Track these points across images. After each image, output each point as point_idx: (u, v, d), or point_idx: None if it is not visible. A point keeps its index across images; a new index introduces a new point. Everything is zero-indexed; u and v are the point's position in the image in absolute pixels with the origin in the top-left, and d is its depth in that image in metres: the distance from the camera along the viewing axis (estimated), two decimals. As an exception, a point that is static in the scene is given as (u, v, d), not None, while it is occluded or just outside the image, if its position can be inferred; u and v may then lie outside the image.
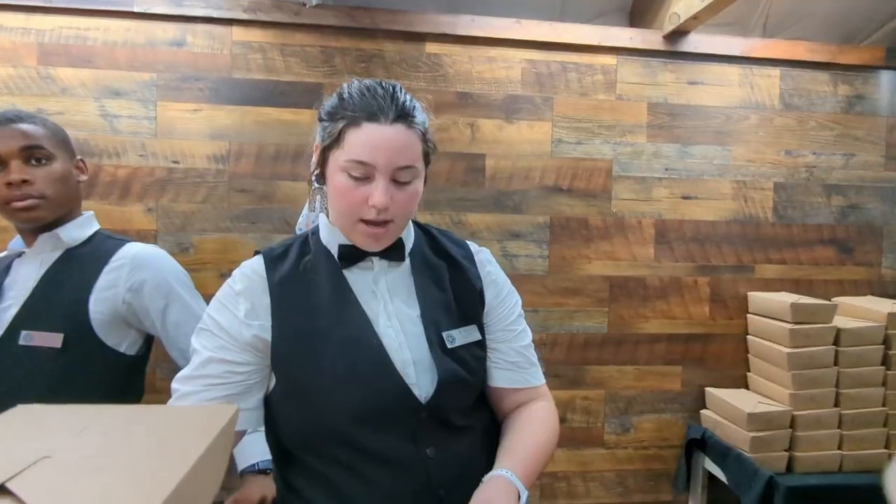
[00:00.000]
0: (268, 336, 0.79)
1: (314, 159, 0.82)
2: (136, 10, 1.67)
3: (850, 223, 2.04)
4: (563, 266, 1.88)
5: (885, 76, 2.04)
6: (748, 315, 1.98)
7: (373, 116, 0.74)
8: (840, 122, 2.01)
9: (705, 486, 1.91)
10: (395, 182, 0.76)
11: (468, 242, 0.94)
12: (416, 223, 0.93)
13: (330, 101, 0.80)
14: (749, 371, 1.97)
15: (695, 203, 1.94)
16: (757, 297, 1.95)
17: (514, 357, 0.89)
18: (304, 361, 0.79)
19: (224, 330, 0.79)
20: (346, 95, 0.78)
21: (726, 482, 1.75)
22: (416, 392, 0.79)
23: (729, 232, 1.97)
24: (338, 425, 0.77)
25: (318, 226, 0.88)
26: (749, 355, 1.97)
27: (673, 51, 1.89)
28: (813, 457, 1.72)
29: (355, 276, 0.84)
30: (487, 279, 0.90)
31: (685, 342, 1.95)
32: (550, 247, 1.87)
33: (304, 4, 1.71)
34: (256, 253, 0.87)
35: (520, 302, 0.93)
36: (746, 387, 1.97)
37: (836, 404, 1.76)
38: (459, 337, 0.84)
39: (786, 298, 1.83)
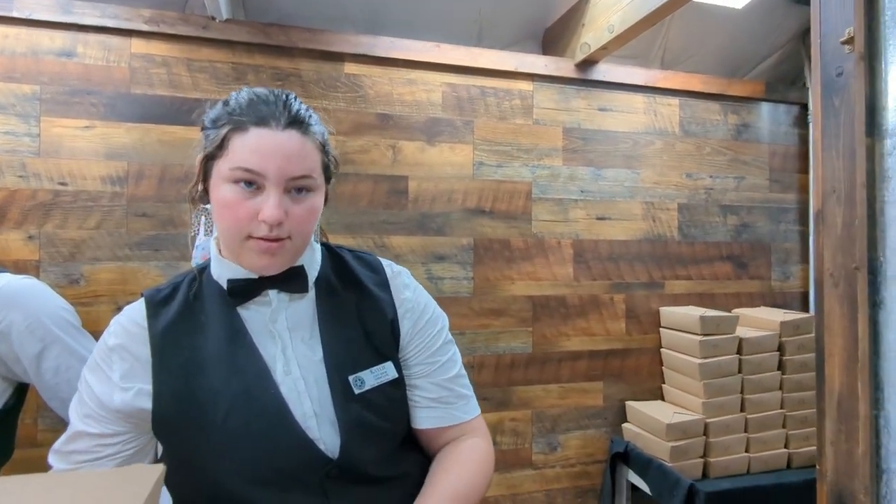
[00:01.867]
0: (146, 403, 0.69)
1: (196, 174, 0.73)
2: (15, 15, 1.50)
3: (744, 241, 2.22)
4: (488, 287, 1.88)
5: (765, 107, 2.26)
6: (661, 329, 2.08)
7: (262, 121, 0.66)
8: (731, 148, 2.20)
9: (629, 497, 1.95)
10: (290, 194, 0.67)
11: (385, 264, 0.84)
12: (325, 245, 0.84)
13: (214, 109, 0.71)
14: (664, 383, 2.06)
15: (608, 223, 2.03)
16: (668, 312, 2.06)
17: (437, 392, 0.79)
18: (190, 425, 0.68)
19: (94, 396, 0.70)
20: (231, 101, 0.70)
21: (649, 492, 1.80)
22: (321, 447, 0.69)
23: (640, 250, 2.07)
24: (235, 492, 0.67)
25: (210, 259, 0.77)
26: (663, 367, 2.06)
27: (584, 79, 1.98)
28: (724, 461, 1.81)
29: (251, 315, 0.74)
30: (403, 307, 0.80)
31: (605, 358, 2.01)
32: (475, 268, 1.87)
33: (214, 18, 1.62)
34: (142, 295, 0.76)
35: (446, 328, 0.83)
36: (662, 398, 2.06)
37: (742, 410, 1.88)
38: (370, 379, 0.74)
39: (694, 312, 1.94)
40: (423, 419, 0.79)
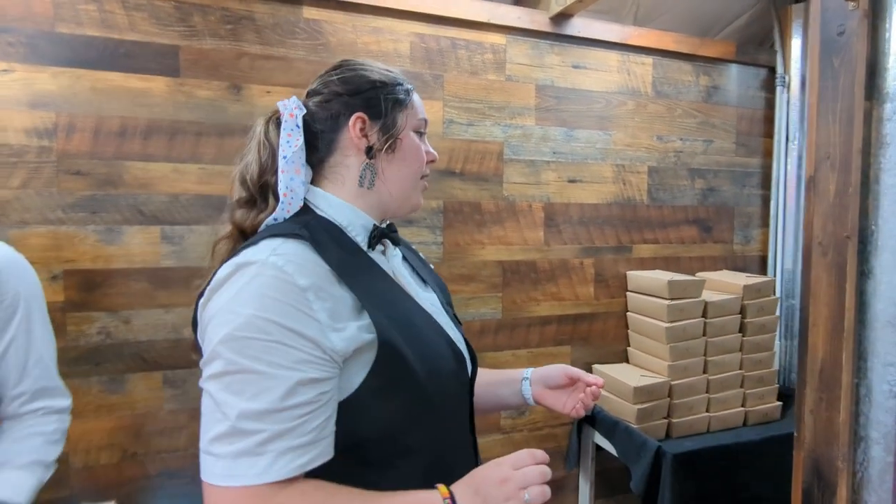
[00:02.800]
0: (368, 334, 0.68)
1: (356, 132, 0.77)
2: None
3: (710, 204, 2.22)
4: (458, 252, 1.81)
5: (735, 70, 2.23)
6: (627, 293, 2.08)
7: (411, 84, 0.84)
8: (701, 111, 2.17)
9: (594, 458, 1.99)
10: None
11: None
12: None
13: (370, 73, 0.80)
14: (629, 346, 2.08)
15: (580, 186, 1.98)
16: (635, 276, 2.06)
17: None
18: (408, 346, 0.71)
19: (306, 339, 0.63)
20: (379, 66, 0.82)
21: (615, 454, 1.82)
22: (468, 365, 0.84)
23: (610, 214, 2.04)
24: (436, 406, 0.75)
25: (306, 208, 0.77)
26: (629, 331, 2.08)
27: (559, 33, 1.88)
28: (686, 421, 1.86)
29: (379, 261, 0.81)
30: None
31: (573, 322, 2.00)
32: (445, 233, 1.79)
33: (151, -52, 1.42)
34: (264, 240, 0.68)
35: None
36: (627, 361, 2.08)
37: (705, 371, 1.92)
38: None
39: (661, 276, 1.94)
40: None
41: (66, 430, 1.06)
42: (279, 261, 0.65)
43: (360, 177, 0.78)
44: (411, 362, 0.70)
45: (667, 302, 1.87)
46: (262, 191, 0.77)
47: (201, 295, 0.69)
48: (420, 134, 0.83)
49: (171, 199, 1.49)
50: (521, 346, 1.92)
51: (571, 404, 1.00)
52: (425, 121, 0.84)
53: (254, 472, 0.59)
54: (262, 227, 0.75)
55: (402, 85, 0.81)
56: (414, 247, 1.01)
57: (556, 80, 1.91)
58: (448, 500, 0.64)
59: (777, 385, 2.03)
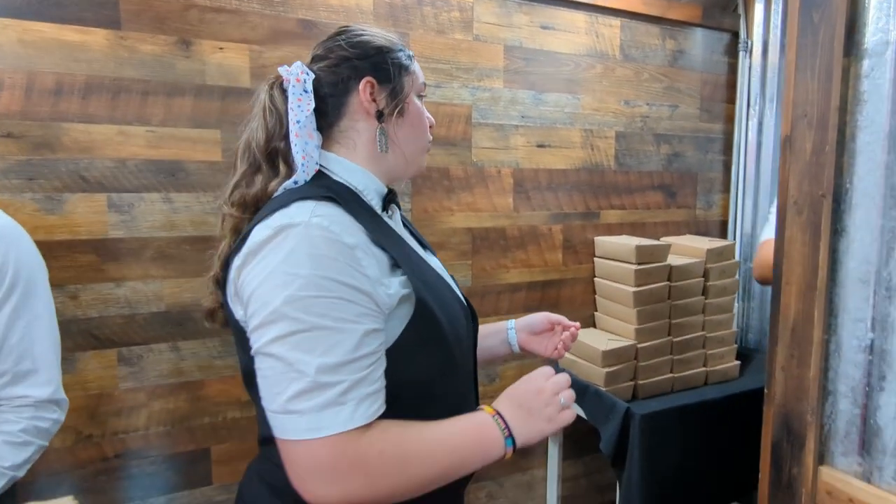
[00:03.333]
0: (407, 288, 0.72)
1: (366, 96, 0.78)
2: None
3: (674, 170, 2.24)
4: (427, 219, 1.77)
5: (700, 34, 2.23)
6: (595, 259, 2.09)
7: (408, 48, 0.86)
8: (667, 76, 2.17)
9: (563, 422, 2.01)
10: None
11: None
12: None
13: (374, 38, 0.81)
14: (596, 311, 2.10)
15: (549, 152, 1.95)
16: (602, 242, 2.06)
17: None
18: (437, 303, 0.76)
19: (362, 293, 0.66)
20: (379, 31, 0.83)
21: (585, 417, 1.85)
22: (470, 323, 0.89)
23: (578, 180, 2.03)
24: (456, 361, 0.80)
25: (320, 174, 0.78)
26: (596, 296, 2.09)
27: (527, -9, 1.82)
28: (652, 382, 1.90)
29: (391, 225, 0.84)
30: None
31: (542, 289, 2.00)
32: (413, 199, 1.74)
33: None
34: (296, 202, 0.69)
35: None
36: (594, 325, 2.10)
37: (669, 334, 1.95)
38: None
39: (629, 241, 1.95)
40: None
41: (46, 430, 0.95)
42: (323, 221, 0.66)
43: (378, 141, 0.79)
44: (439, 317, 0.75)
45: (634, 267, 1.88)
46: (269, 158, 0.77)
47: (227, 262, 0.72)
48: (421, 97, 0.85)
49: (117, 165, 1.38)
50: (491, 313, 1.91)
51: (552, 347, 1.12)
52: (425, 85, 0.86)
53: (340, 421, 0.63)
54: (280, 191, 0.75)
55: (403, 51, 0.83)
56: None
57: (525, 41, 1.86)
58: (496, 416, 0.74)
59: (735, 345, 2.10)
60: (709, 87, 2.27)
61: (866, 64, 0.86)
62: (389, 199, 0.84)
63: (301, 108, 0.75)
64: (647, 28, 2.09)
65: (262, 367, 0.66)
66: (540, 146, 1.93)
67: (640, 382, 1.88)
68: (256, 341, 0.65)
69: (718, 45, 2.27)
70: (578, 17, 1.95)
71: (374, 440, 0.65)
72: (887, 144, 0.84)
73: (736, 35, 2.27)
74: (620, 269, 1.94)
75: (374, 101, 0.79)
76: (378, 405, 0.67)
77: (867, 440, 0.90)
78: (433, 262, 0.90)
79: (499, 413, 0.74)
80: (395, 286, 0.71)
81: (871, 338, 0.88)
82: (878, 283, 0.87)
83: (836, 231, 0.91)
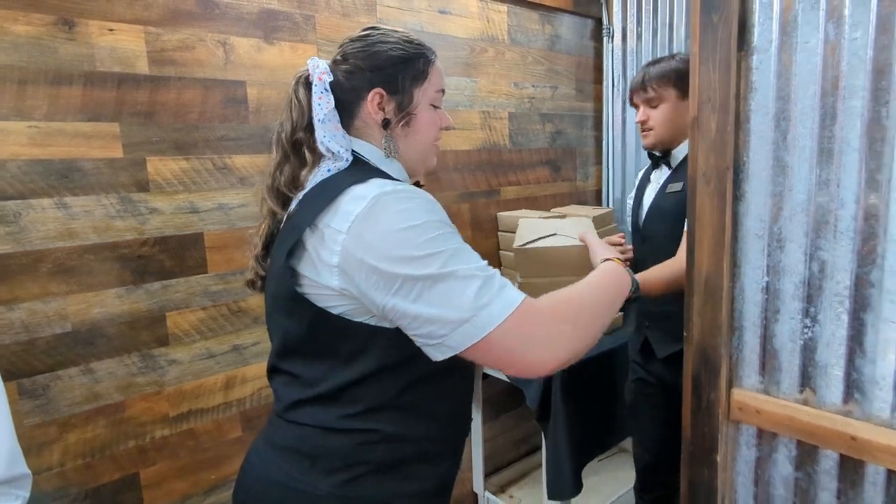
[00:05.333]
0: None
1: (374, 106, 0.84)
2: None
3: (558, 146, 2.45)
4: (346, 207, 1.75)
5: (572, 20, 2.44)
6: (499, 233, 2.23)
7: (434, 55, 0.90)
8: (547, 59, 2.35)
9: (481, 387, 2.15)
10: None
11: None
12: None
13: (392, 49, 0.84)
14: (503, 281, 2.25)
15: (454, 134, 2.03)
16: (504, 217, 2.21)
17: None
18: None
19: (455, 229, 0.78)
20: (409, 39, 0.87)
21: (507, 380, 2.00)
22: None
23: (480, 159, 2.14)
24: None
25: (358, 161, 0.83)
26: (502, 267, 2.24)
27: (424, -24, 1.85)
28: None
29: None
30: None
31: (455, 266, 2.09)
32: (331, 187, 1.71)
33: None
34: (368, 181, 0.77)
35: None
36: (503, 295, 2.25)
37: (569, 295, 2.17)
38: None
39: (528, 214, 2.12)
40: None
41: None
42: (404, 186, 0.76)
43: (385, 147, 0.85)
44: None
45: (538, 237, 2.05)
46: (294, 147, 0.85)
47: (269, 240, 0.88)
48: (436, 107, 0.90)
49: (-9, 168, 1.17)
50: (412, 294, 1.96)
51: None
52: (443, 91, 0.90)
53: (517, 294, 0.72)
54: (326, 174, 0.81)
55: (424, 57, 0.87)
56: None
57: (425, 25, 1.89)
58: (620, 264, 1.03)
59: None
60: (581, 70, 2.50)
61: (755, 58, 1.05)
62: None
63: (321, 106, 0.81)
64: (528, 14, 2.24)
65: (431, 296, 0.71)
66: (445, 129, 1.99)
67: (550, 342, 2.07)
68: (412, 287, 0.71)
69: (586, 30, 2.51)
70: (471, 2, 2.02)
71: (544, 299, 0.76)
72: (773, 125, 1.04)
73: (600, 21, 2.53)
74: (525, 240, 2.10)
75: (381, 110, 0.84)
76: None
77: (766, 362, 1.13)
78: None
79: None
80: None
81: (767, 280, 1.10)
82: (770, 236, 1.08)
83: (737, 197, 1.11)
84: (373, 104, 0.83)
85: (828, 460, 1.04)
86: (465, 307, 0.70)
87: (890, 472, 0.95)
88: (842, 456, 1.02)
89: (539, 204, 2.39)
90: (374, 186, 0.75)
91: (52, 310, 1.25)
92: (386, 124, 0.84)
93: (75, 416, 1.30)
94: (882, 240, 0.93)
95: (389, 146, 0.85)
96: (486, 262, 0.75)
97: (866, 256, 0.96)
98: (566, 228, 1.49)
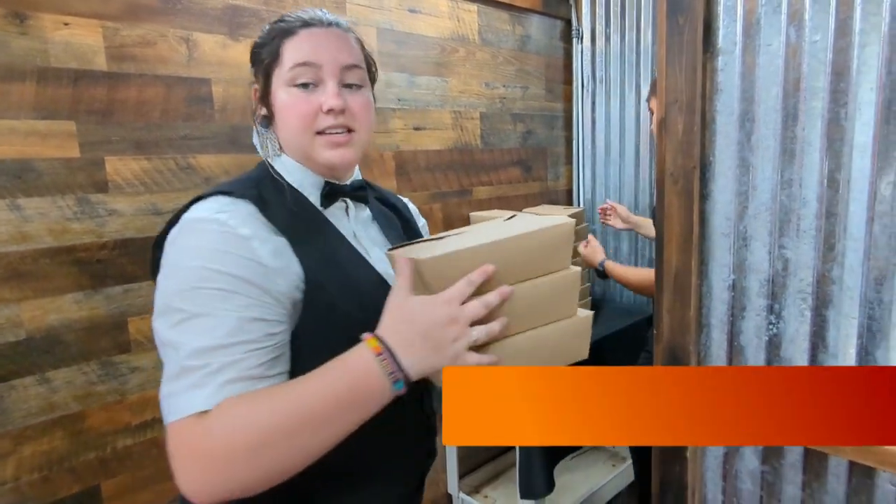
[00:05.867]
0: (298, 267, 0.70)
1: (255, 101, 0.80)
2: None
3: (529, 146, 2.47)
4: (316, 208, 1.72)
5: (541, 20, 2.45)
6: (471, 233, 2.22)
7: (307, 23, 0.75)
8: (518, 59, 2.35)
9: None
10: (345, 86, 0.76)
11: (391, 192, 0.98)
12: None
13: (261, 35, 0.78)
14: (476, 281, 2.25)
15: (425, 134, 2.02)
16: (477, 217, 2.20)
17: None
18: (339, 290, 0.72)
19: (250, 282, 0.65)
20: (276, 20, 0.78)
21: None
22: None
23: (452, 160, 2.13)
24: None
25: (265, 171, 0.77)
26: (475, 268, 2.24)
27: (394, -26, 1.83)
28: (531, 340, 2.11)
29: (337, 223, 0.80)
30: (422, 230, 0.95)
31: (428, 266, 2.08)
32: (300, 188, 1.68)
33: None
34: (214, 196, 0.70)
35: None
36: (475, 295, 2.25)
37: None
38: None
39: (501, 214, 2.12)
40: None
41: None
42: (222, 216, 0.67)
43: (260, 144, 0.80)
44: (340, 305, 0.71)
45: (510, 237, 2.05)
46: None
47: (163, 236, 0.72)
48: (302, 85, 0.74)
49: (-64, 168, 1.11)
50: (384, 295, 1.94)
51: None
52: (302, 65, 0.73)
53: (196, 403, 0.60)
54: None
55: (280, 33, 0.75)
56: (409, 205, 1.02)
57: (395, 24, 1.88)
58: (384, 356, 0.61)
59: (590, 297, 2.42)
60: (551, 70, 2.52)
61: (720, 60, 1.07)
62: (333, 192, 0.81)
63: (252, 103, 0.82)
64: (498, 14, 2.24)
65: (160, 349, 0.66)
66: (417, 128, 1.98)
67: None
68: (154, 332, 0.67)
69: (555, 31, 2.53)
70: (441, 2, 2.01)
71: (230, 415, 0.59)
72: (738, 125, 1.07)
73: (569, 22, 2.55)
74: (497, 240, 2.11)
75: (259, 104, 0.80)
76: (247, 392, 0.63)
77: (733, 359, 1.15)
78: (384, 261, 0.82)
79: (388, 350, 0.61)
80: (287, 274, 0.69)
81: (733, 278, 1.12)
82: (736, 234, 1.10)
83: (704, 196, 1.13)
84: (255, 100, 0.80)
85: (793, 454, 1.06)
86: (165, 381, 0.63)
87: (852, 464, 0.98)
88: (806, 449, 1.04)
89: (511, 203, 2.40)
90: (196, 209, 0.69)
91: (4, 317, 1.19)
92: (265, 119, 0.79)
93: (31, 428, 1.24)
94: (842, 238, 0.96)
95: (263, 142, 0.79)
96: (235, 342, 0.62)
97: (828, 254, 0.98)
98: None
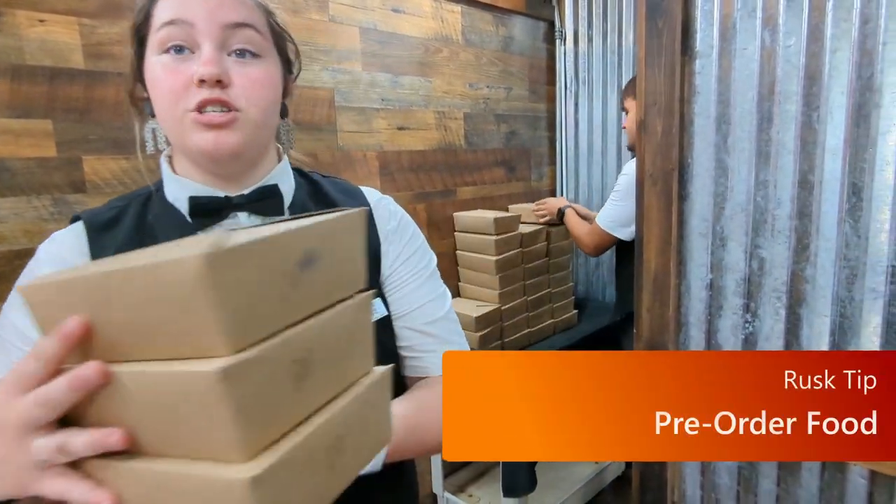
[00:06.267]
0: None
1: (132, 79, 0.64)
2: None
3: (512, 147, 2.48)
4: (299, 208, 1.71)
5: (525, 22, 2.46)
6: (455, 233, 2.23)
7: None
8: (501, 60, 2.36)
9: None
10: (232, 56, 0.58)
11: (366, 190, 0.75)
12: (297, 170, 0.73)
13: None
14: (460, 281, 2.25)
15: (408, 134, 2.02)
16: (461, 217, 2.21)
17: (411, 339, 0.70)
18: None
19: (24, 337, 0.55)
20: None
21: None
22: None
23: (435, 160, 2.13)
24: None
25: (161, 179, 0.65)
26: (459, 268, 2.24)
27: (377, -26, 1.83)
28: (514, 339, 2.13)
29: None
30: (388, 240, 0.71)
31: (412, 266, 2.08)
32: (282, 188, 1.67)
33: None
34: (75, 219, 0.62)
35: (433, 265, 0.75)
36: (460, 295, 2.26)
37: (524, 294, 2.20)
38: None
39: (486, 215, 2.13)
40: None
41: None
42: (41, 249, 0.61)
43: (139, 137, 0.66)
44: None
45: (493, 237, 2.06)
46: None
47: None
48: (175, 48, 0.56)
49: None
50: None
51: None
52: (169, 24, 0.56)
53: None
54: None
55: (138, 7, 0.61)
56: (386, 208, 0.75)
57: (379, 24, 1.87)
58: None
59: (573, 297, 2.44)
60: (534, 71, 2.53)
61: (698, 63, 1.09)
62: (204, 208, 0.62)
63: None
64: (482, 15, 2.25)
65: None
66: (400, 128, 1.98)
67: (506, 340, 2.09)
68: None
69: (539, 32, 2.54)
70: (425, 2, 2.01)
71: None
72: (715, 127, 1.08)
73: (552, 24, 2.57)
74: (480, 240, 2.12)
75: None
76: None
77: (711, 356, 1.17)
78: None
79: None
80: None
81: (710, 277, 1.14)
82: (713, 235, 1.12)
83: (682, 197, 1.15)
84: (132, 76, 0.65)
85: (768, 449, 1.09)
86: None
87: (824, 458, 1.01)
88: (781, 444, 1.07)
89: (495, 203, 2.41)
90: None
91: (-22, 319, 1.17)
92: (148, 103, 0.63)
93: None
94: (815, 238, 0.98)
95: (140, 134, 0.65)
96: None
97: (801, 254, 1.01)
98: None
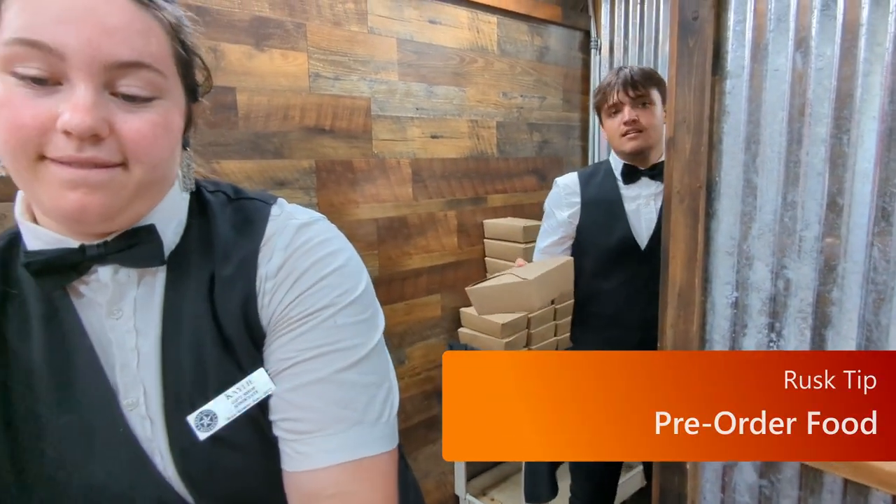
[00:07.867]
0: None
1: None
2: None
3: (545, 155, 2.50)
4: (334, 213, 1.77)
5: (560, 31, 2.48)
6: (485, 240, 2.26)
7: None
8: (536, 70, 2.39)
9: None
10: (117, 99, 0.43)
11: (273, 214, 0.57)
12: (199, 192, 0.57)
13: None
14: (488, 287, 2.29)
15: (441, 142, 2.06)
16: (491, 224, 2.24)
17: (283, 411, 0.52)
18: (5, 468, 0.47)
19: None
20: None
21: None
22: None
23: (467, 168, 2.17)
24: None
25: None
26: (487, 274, 2.28)
27: (415, -14, 1.89)
28: (539, 346, 2.15)
29: (84, 303, 0.50)
30: (265, 284, 0.53)
31: (441, 272, 2.13)
32: (318, 193, 1.73)
33: None
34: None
35: (341, 308, 0.55)
36: (487, 301, 2.29)
37: (552, 301, 2.21)
38: (227, 408, 0.50)
39: (515, 223, 2.15)
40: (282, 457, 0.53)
41: None
42: None
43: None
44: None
45: (522, 245, 2.09)
46: None
47: None
48: (32, 81, 0.41)
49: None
50: (397, 299, 1.99)
51: None
52: (25, 44, 0.40)
53: None
54: None
55: None
56: (282, 245, 0.55)
57: (415, 35, 1.93)
58: None
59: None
60: (569, 80, 2.55)
61: (728, 83, 1.10)
62: (63, 264, 0.48)
63: None
64: (517, 25, 2.28)
65: None
66: (434, 137, 2.03)
67: (532, 348, 2.11)
68: None
69: (574, 42, 2.55)
70: (461, 13, 2.06)
71: None
72: (744, 147, 1.09)
73: (588, 34, 2.57)
74: (510, 248, 2.14)
75: None
76: None
77: (734, 374, 1.17)
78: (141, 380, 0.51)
79: None
80: None
81: (736, 296, 1.14)
82: (739, 253, 1.13)
83: (709, 214, 1.16)
84: None
85: (789, 469, 1.08)
86: None
87: (846, 482, 1.00)
88: (802, 465, 1.06)
89: (525, 212, 2.43)
90: None
91: None
92: None
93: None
94: (842, 260, 0.98)
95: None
96: None
97: (828, 276, 1.00)
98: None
